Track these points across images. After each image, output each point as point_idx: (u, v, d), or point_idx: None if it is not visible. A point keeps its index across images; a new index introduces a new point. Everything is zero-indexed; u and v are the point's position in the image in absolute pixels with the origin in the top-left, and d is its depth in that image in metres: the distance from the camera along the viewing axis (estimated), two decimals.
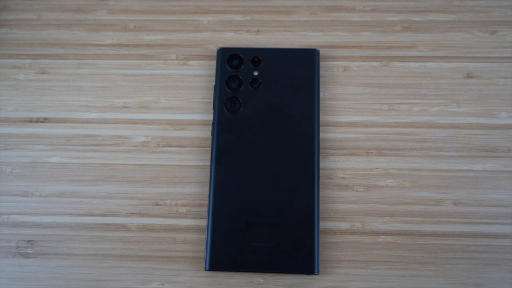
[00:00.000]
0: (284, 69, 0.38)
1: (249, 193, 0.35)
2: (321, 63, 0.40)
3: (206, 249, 0.34)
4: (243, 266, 0.34)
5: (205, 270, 0.34)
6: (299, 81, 0.38)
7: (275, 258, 0.34)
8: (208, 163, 0.38)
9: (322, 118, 0.39)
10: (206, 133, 0.39)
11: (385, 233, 0.36)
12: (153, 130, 0.39)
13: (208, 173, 0.37)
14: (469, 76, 0.40)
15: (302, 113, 0.37)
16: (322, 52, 0.40)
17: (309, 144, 0.36)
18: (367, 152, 0.38)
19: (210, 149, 0.38)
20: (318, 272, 0.34)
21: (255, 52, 0.39)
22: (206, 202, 0.37)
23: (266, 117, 0.37)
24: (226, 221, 0.35)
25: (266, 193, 0.35)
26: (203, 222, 0.36)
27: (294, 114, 0.37)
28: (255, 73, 0.38)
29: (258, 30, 0.42)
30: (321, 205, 0.36)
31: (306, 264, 0.34)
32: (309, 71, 0.38)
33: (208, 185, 0.37)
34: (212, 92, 0.40)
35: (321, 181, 0.37)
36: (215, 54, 0.41)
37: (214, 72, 0.40)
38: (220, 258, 0.34)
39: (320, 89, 0.39)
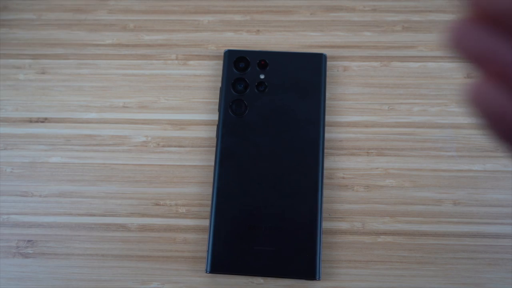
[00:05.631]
0: (290, 73, 0.38)
1: (253, 197, 0.35)
2: None
3: (208, 251, 0.34)
4: (245, 270, 0.34)
5: (206, 272, 0.34)
6: (306, 85, 0.38)
7: (277, 262, 0.34)
8: (209, 163, 0.38)
9: None
10: (206, 133, 0.39)
11: (385, 233, 0.36)
12: (153, 130, 0.39)
13: (208, 173, 0.37)
14: (469, 76, 0.40)
15: (308, 117, 0.37)
16: (322, 51, 0.40)
17: (314, 149, 0.36)
18: (367, 152, 0.38)
19: (210, 149, 0.38)
20: (319, 278, 0.34)
21: (262, 55, 0.39)
22: (206, 202, 0.37)
23: (271, 121, 0.37)
24: (229, 223, 0.35)
25: (269, 197, 0.35)
26: (203, 222, 0.36)
27: (300, 119, 0.37)
28: (262, 76, 0.38)
29: (258, 30, 0.42)
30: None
31: (308, 269, 0.34)
32: (316, 76, 0.38)
33: (209, 185, 0.37)
34: (214, 92, 0.40)
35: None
36: (215, 54, 0.41)
37: (214, 72, 0.40)
38: (222, 261, 0.34)
39: None
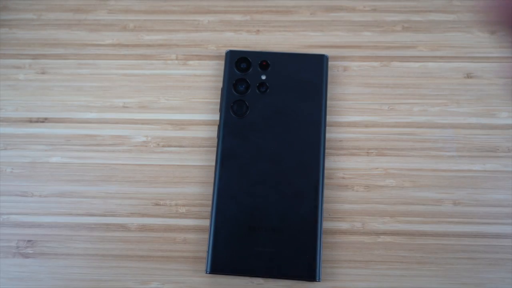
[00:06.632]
0: (292, 74, 0.38)
1: (253, 197, 0.35)
2: None
3: (208, 251, 0.34)
4: (245, 271, 0.34)
5: (206, 273, 0.34)
6: (307, 86, 0.38)
7: (277, 263, 0.34)
8: (209, 163, 0.38)
9: None
10: (206, 133, 0.39)
11: (385, 233, 0.36)
12: (153, 130, 0.39)
13: (208, 173, 0.37)
14: (469, 76, 0.40)
15: (309, 118, 0.37)
16: (322, 52, 0.40)
17: (314, 150, 0.36)
18: (367, 152, 0.38)
19: (210, 149, 0.38)
20: (319, 279, 0.34)
21: (264, 56, 0.39)
22: (206, 202, 0.37)
23: (272, 122, 0.37)
24: (229, 224, 0.35)
25: (270, 197, 0.35)
26: (203, 222, 0.36)
27: (301, 120, 0.37)
28: (263, 77, 0.38)
29: (258, 30, 0.42)
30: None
31: (308, 271, 0.34)
32: (317, 77, 0.38)
33: (209, 185, 0.37)
34: (214, 92, 0.40)
35: None
36: (215, 54, 0.41)
37: (214, 72, 0.40)
38: (222, 262, 0.34)
39: None
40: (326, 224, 0.36)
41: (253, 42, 0.41)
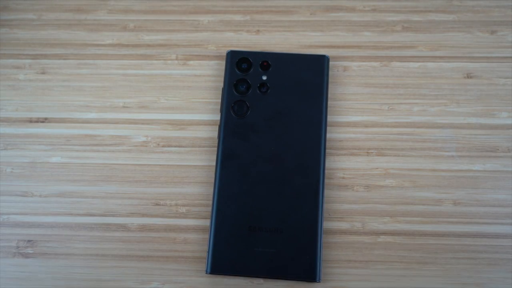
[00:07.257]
0: (293, 75, 0.38)
1: (254, 198, 0.35)
2: None
3: (208, 252, 0.34)
4: (245, 271, 0.34)
5: (206, 273, 0.34)
6: (308, 87, 0.38)
7: (277, 264, 0.34)
8: (209, 163, 0.38)
9: None
10: (206, 133, 0.39)
11: (385, 233, 0.36)
12: (153, 130, 0.39)
13: (208, 173, 0.37)
14: (469, 76, 0.40)
15: (309, 119, 0.37)
16: (322, 52, 0.40)
17: (315, 151, 0.36)
18: (367, 152, 0.38)
19: (210, 149, 0.38)
20: (319, 280, 0.34)
21: (265, 56, 0.39)
22: (206, 202, 0.37)
23: (273, 122, 0.37)
24: (229, 224, 0.35)
25: (270, 198, 0.35)
26: (203, 222, 0.36)
27: (301, 120, 0.37)
28: (264, 78, 0.38)
29: (258, 30, 0.42)
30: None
31: (308, 271, 0.34)
32: (318, 77, 0.38)
33: (209, 185, 0.37)
34: (214, 92, 0.40)
35: None
36: (215, 54, 0.41)
37: (214, 72, 0.40)
38: (222, 262, 0.34)
39: None
40: (326, 224, 0.36)
41: (253, 42, 0.41)
